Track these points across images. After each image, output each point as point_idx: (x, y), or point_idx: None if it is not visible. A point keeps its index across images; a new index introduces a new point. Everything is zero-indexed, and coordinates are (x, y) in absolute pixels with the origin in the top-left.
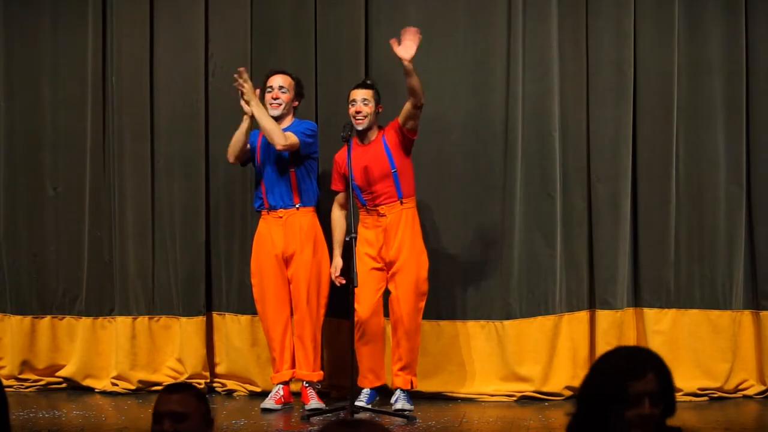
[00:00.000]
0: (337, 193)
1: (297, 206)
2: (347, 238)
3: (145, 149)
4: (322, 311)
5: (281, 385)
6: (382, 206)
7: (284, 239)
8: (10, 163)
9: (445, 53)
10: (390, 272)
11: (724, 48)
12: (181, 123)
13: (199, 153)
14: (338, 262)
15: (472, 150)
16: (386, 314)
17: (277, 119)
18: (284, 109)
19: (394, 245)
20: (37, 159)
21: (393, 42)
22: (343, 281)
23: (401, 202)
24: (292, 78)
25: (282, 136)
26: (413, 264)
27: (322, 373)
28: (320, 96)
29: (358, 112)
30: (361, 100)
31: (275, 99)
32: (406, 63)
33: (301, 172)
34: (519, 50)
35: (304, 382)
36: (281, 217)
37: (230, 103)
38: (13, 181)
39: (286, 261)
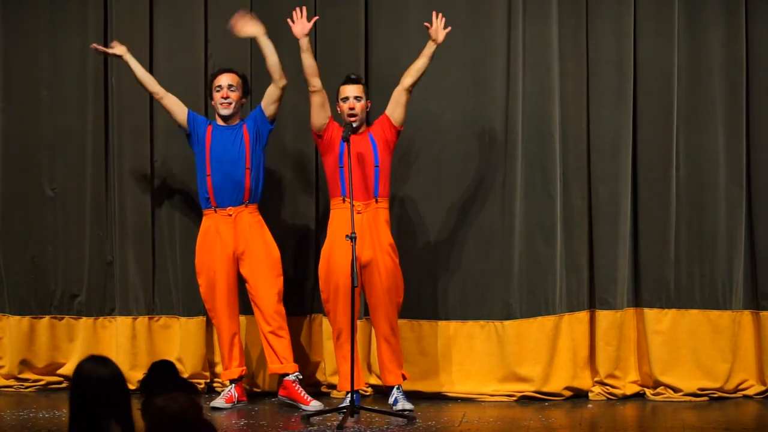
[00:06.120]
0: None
1: (246, 203)
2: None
3: (145, 149)
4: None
5: (233, 384)
6: (359, 203)
7: (234, 237)
8: (9, 163)
9: (444, 53)
10: (366, 271)
11: (724, 48)
12: None
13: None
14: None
15: (472, 150)
16: (366, 314)
17: (228, 118)
18: (234, 108)
19: (367, 244)
20: (36, 159)
21: (427, 24)
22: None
23: (376, 201)
24: (239, 75)
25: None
26: (389, 261)
27: (296, 365)
28: None
29: (351, 109)
30: (354, 97)
31: (225, 98)
32: (434, 46)
33: (255, 171)
34: (519, 50)
35: (289, 375)
36: (230, 215)
37: None
38: (12, 181)
39: (237, 259)
